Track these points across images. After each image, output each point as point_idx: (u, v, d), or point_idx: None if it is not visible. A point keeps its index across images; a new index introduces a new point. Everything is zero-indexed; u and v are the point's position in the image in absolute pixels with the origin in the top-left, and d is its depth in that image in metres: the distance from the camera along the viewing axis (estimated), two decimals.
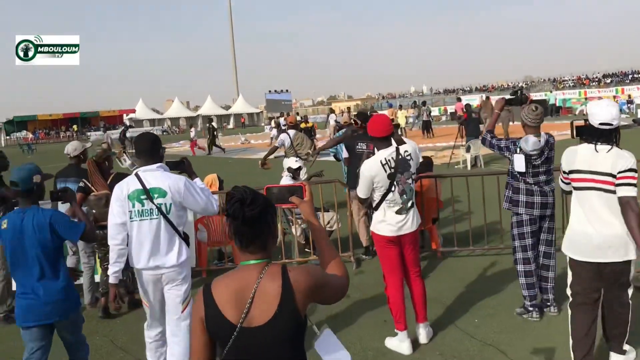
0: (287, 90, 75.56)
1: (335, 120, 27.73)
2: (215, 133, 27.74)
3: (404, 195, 4.52)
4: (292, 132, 9.82)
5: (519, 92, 5.14)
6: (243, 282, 2.03)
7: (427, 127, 26.82)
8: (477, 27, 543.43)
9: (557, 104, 42.13)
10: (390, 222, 4.54)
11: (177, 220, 3.95)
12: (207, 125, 28.23)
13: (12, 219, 3.76)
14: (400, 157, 4.51)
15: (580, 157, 3.83)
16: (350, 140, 7.18)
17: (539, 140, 4.79)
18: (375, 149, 4.64)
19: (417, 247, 4.77)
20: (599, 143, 3.74)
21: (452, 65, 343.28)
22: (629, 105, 35.54)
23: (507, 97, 5.23)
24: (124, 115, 64.33)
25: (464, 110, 17.29)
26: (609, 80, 65.91)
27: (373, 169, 4.51)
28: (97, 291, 6.23)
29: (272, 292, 2.00)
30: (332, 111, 28.85)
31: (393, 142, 4.57)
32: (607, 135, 3.73)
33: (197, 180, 4.22)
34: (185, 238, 4.03)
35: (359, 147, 6.89)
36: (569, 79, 71.71)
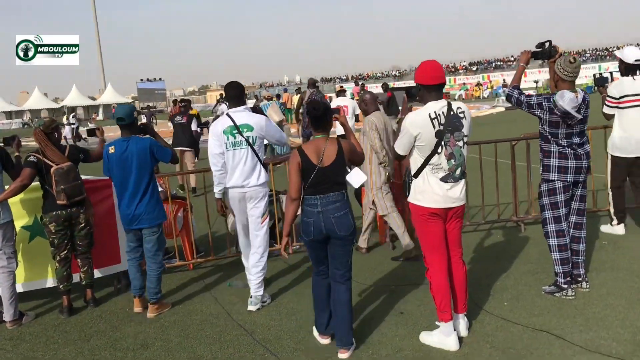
0: (160, 79, 72.14)
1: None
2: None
3: (452, 160, 3.75)
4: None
5: (546, 43, 4.55)
6: (318, 145, 3.84)
7: None
8: (346, 18, 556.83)
9: None
10: (435, 190, 3.76)
11: (259, 149, 4.87)
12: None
13: (118, 145, 4.76)
14: (452, 113, 3.74)
15: (626, 85, 5.72)
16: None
17: (576, 97, 4.25)
18: (422, 101, 3.82)
19: (461, 224, 4.03)
20: (636, 74, 5.71)
21: (323, 55, 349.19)
22: (504, 89, 37.60)
23: (534, 49, 4.63)
24: None
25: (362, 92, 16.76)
26: (474, 69, 70.18)
27: (418, 122, 3.72)
28: (60, 289, 5.08)
29: (332, 149, 3.82)
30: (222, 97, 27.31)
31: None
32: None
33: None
34: (264, 164, 4.93)
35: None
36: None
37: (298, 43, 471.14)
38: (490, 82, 52.29)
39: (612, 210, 6.00)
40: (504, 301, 4.56)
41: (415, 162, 3.86)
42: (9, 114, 59.82)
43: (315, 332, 4.20)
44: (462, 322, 4.04)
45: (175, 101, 22.98)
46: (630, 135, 5.73)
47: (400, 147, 3.87)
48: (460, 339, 3.94)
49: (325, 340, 4.09)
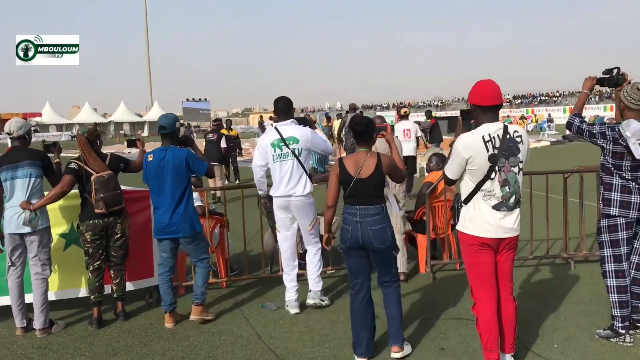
0: (205, 99, 73.37)
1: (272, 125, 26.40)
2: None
3: (506, 187, 3.50)
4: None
5: (614, 70, 4.28)
6: (358, 158, 3.98)
7: None
8: (390, 48, 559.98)
9: None
10: (487, 219, 3.51)
11: (305, 161, 5.09)
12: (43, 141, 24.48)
13: (156, 154, 4.81)
14: (508, 136, 3.51)
15: None
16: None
17: None
18: (477, 122, 3.61)
19: (514, 256, 3.76)
20: None
21: (363, 83, 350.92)
22: (549, 123, 36.90)
23: (600, 76, 4.36)
24: (28, 119, 59.48)
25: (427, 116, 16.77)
26: (518, 102, 69.26)
27: (472, 145, 3.50)
28: (91, 300, 4.98)
29: (372, 163, 3.93)
30: (269, 118, 27.47)
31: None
32: None
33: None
34: (309, 175, 5.13)
35: None
36: None
37: (341, 69, 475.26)
38: (535, 115, 51.35)
39: None
40: (554, 343, 4.24)
41: (466, 188, 3.63)
42: (60, 127, 61.56)
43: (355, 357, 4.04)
44: None
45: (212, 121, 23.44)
46: None
47: (450, 171, 3.65)
48: None
49: None
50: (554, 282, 5.74)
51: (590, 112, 51.98)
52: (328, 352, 4.27)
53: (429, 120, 15.64)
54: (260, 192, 5.51)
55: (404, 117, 12.60)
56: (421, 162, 14.11)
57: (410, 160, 11.79)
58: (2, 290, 4.95)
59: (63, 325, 4.97)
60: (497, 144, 3.47)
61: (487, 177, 3.49)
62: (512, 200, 3.52)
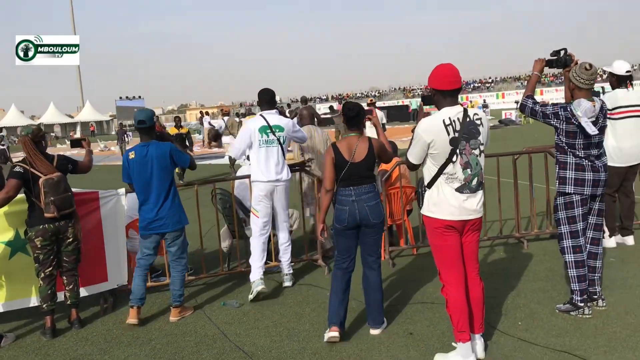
0: (140, 97, 71.31)
1: (209, 122, 25.96)
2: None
3: (468, 170, 3.53)
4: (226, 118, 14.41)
5: (561, 51, 4.39)
6: (351, 142, 4.14)
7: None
8: (324, 39, 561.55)
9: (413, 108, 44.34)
10: (450, 202, 3.54)
11: (286, 149, 5.49)
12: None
13: (138, 150, 4.74)
14: (468, 119, 3.53)
15: (620, 97, 5.71)
16: None
17: (593, 106, 4.09)
18: (437, 106, 3.62)
19: (479, 237, 3.80)
20: (628, 85, 5.78)
21: (300, 75, 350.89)
22: (484, 109, 37.91)
23: (548, 58, 4.46)
24: None
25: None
26: None
27: (432, 129, 3.52)
28: (44, 309, 4.71)
29: (364, 147, 4.11)
30: (206, 113, 26.98)
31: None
32: (630, 79, 5.82)
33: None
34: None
35: None
36: (417, 88, 76.08)
37: (276, 63, 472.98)
38: (470, 102, 52.72)
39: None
40: (517, 320, 4.34)
41: (428, 172, 3.64)
42: None
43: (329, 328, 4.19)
44: (479, 342, 3.79)
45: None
46: (623, 145, 5.72)
47: (412, 156, 3.66)
48: None
49: (334, 333, 4.10)
50: (509, 261, 5.89)
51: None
52: (297, 344, 4.21)
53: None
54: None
55: (372, 104, 15.68)
56: None
57: None
58: None
59: (13, 337, 4.69)
60: (458, 127, 3.50)
61: (449, 160, 3.51)
62: (474, 182, 3.56)
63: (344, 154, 4.11)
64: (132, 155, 4.77)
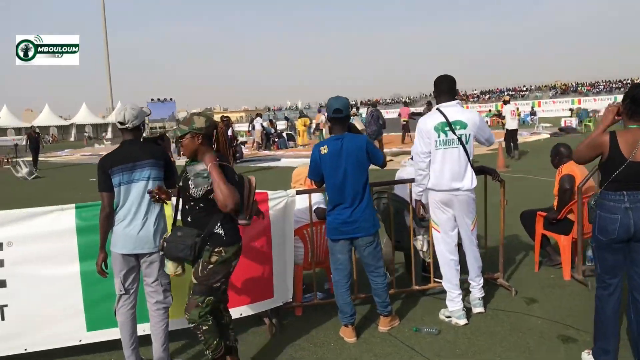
0: (171, 99, 71.05)
1: (262, 124, 25.40)
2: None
3: None
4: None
5: None
6: (637, 136, 3.24)
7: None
8: (344, 46, 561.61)
9: None
10: None
11: (470, 149, 4.38)
12: (31, 133, 21.49)
13: (331, 145, 4.14)
14: None
15: None
16: None
17: None
18: None
19: None
20: None
21: (319, 81, 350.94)
22: (532, 117, 36.83)
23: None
24: None
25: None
26: (487, 97, 69.76)
27: None
28: None
29: None
30: (258, 115, 26.31)
31: None
32: None
33: None
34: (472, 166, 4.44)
35: None
36: None
37: (301, 68, 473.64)
38: (517, 109, 51.23)
39: None
40: None
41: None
42: (18, 130, 58.66)
43: None
44: None
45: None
46: None
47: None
48: None
49: None
50: None
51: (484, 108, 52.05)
52: None
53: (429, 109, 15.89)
54: (418, 190, 4.56)
55: (507, 102, 17.38)
56: None
57: (515, 134, 16.42)
58: (103, 321, 3.92)
59: None
60: None
61: None
62: None
63: (623, 149, 3.26)
64: (324, 150, 4.14)
